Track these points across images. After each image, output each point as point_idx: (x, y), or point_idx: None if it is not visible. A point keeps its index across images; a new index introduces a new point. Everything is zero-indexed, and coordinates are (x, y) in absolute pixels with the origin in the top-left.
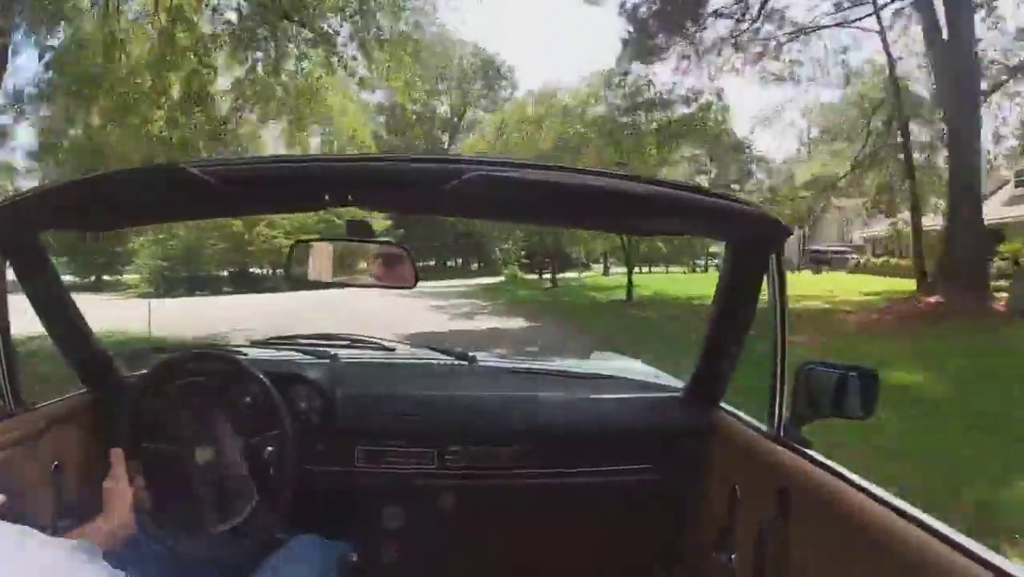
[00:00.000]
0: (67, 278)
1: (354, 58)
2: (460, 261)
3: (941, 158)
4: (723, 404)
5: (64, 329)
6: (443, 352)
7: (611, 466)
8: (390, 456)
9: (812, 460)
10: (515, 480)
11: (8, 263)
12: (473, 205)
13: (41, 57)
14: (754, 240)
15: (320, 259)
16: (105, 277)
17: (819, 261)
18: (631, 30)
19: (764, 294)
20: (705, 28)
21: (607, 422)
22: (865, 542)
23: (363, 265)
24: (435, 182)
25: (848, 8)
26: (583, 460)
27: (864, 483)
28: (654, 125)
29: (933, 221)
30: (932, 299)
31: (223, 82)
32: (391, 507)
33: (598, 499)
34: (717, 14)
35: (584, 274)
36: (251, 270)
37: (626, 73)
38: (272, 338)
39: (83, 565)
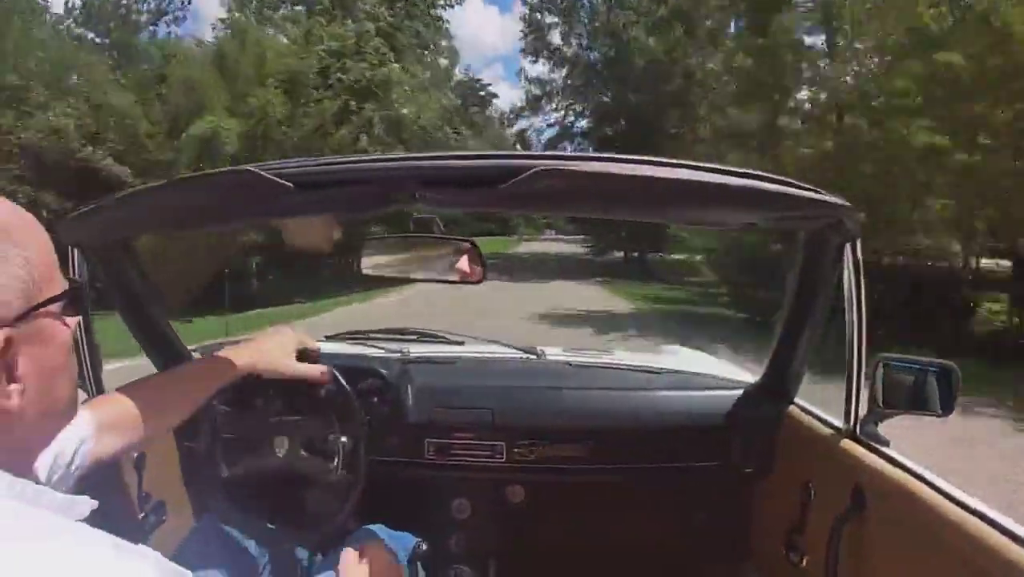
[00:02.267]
0: None
1: None
2: None
3: None
4: (797, 399)
5: (147, 329)
6: (511, 347)
7: (681, 462)
8: (459, 449)
9: (888, 458)
10: (584, 474)
11: (91, 264)
12: (540, 200)
13: None
14: (828, 230)
15: (390, 255)
16: None
17: None
18: None
19: None
20: None
21: (677, 417)
22: (944, 547)
23: (431, 260)
24: (502, 178)
25: None
26: (652, 455)
27: (944, 485)
28: None
29: None
30: None
31: None
32: (460, 499)
33: (667, 495)
34: None
35: None
36: None
37: None
38: (345, 333)
39: None
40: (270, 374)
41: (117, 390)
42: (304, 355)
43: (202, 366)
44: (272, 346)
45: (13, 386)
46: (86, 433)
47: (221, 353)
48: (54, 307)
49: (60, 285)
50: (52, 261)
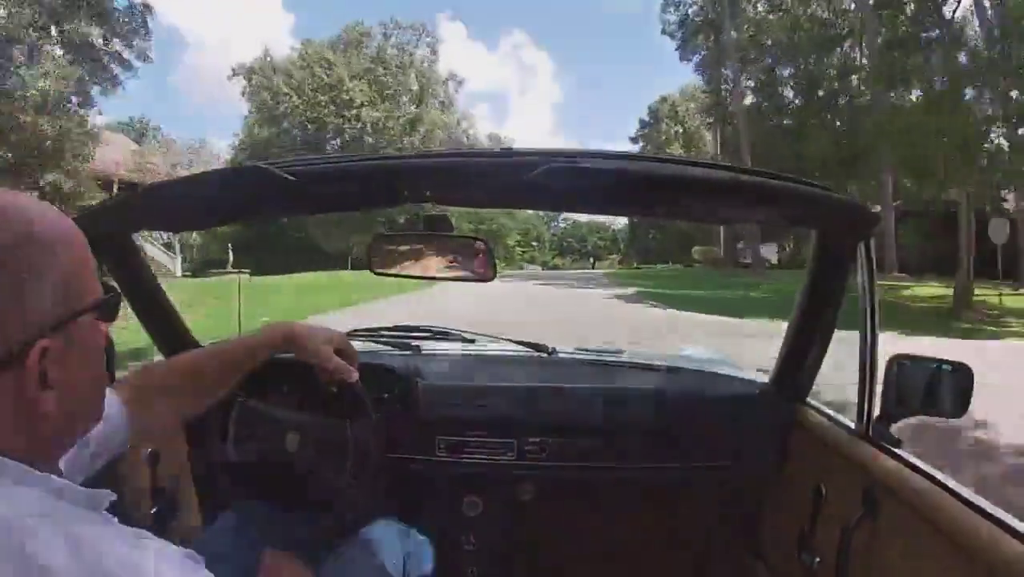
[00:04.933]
0: None
1: None
2: None
3: None
4: (809, 400)
5: (157, 323)
6: (522, 344)
7: (692, 461)
8: (470, 446)
9: (902, 460)
10: (594, 472)
11: (103, 260)
12: (551, 198)
13: None
14: (842, 229)
15: (401, 252)
16: None
17: None
18: None
19: None
20: None
21: (689, 416)
22: (957, 551)
23: (443, 258)
24: (512, 176)
25: None
26: (663, 454)
27: (958, 488)
28: None
29: None
30: None
31: None
32: (471, 496)
33: (678, 494)
34: None
35: None
36: None
37: None
38: (357, 330)
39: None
40: (303, 353)
41: (160, 362)
42: (341, 353)
43: (244, 337)
44: (317, 329)
45: (47, 392)
46: (117, 423)
47: (265, 327)
48: (89, 316)
49: (96, 292)
50: (90, 269)
